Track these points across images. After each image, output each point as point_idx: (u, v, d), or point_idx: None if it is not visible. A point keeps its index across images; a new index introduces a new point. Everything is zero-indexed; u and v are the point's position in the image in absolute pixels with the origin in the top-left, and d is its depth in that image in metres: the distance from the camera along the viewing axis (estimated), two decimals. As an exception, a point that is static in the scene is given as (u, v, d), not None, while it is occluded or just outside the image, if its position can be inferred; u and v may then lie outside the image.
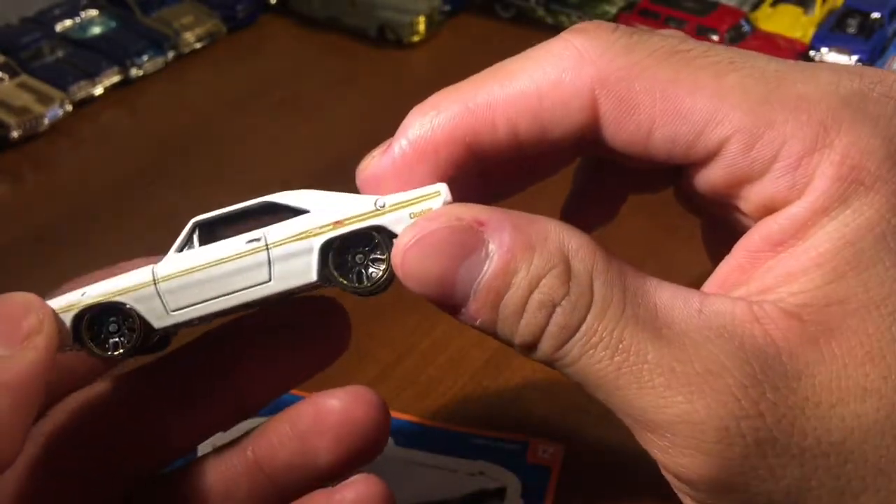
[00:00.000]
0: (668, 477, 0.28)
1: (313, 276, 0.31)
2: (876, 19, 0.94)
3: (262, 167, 0.81)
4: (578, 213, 0.39)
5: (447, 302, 0.29)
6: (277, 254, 0.31)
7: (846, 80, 0.28)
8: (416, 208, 0.30)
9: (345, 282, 0.31)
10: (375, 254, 0.31)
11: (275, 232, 0.31)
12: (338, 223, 0.31)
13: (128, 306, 0.32)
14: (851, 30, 0.94)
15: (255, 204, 0.32)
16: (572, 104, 0.29)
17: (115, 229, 0.75)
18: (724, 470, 0.27)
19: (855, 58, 0.92)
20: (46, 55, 0.95)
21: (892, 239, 0.27)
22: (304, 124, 0.88)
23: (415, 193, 0.30)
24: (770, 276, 0.28)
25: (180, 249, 0.32)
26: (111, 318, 0.33)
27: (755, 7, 1.01)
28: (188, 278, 0.32)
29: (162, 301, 0.32)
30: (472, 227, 0.29)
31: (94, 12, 1.00)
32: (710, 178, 0.29)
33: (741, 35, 0.95)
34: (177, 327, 0.33)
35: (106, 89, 0.93)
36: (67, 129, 0.88)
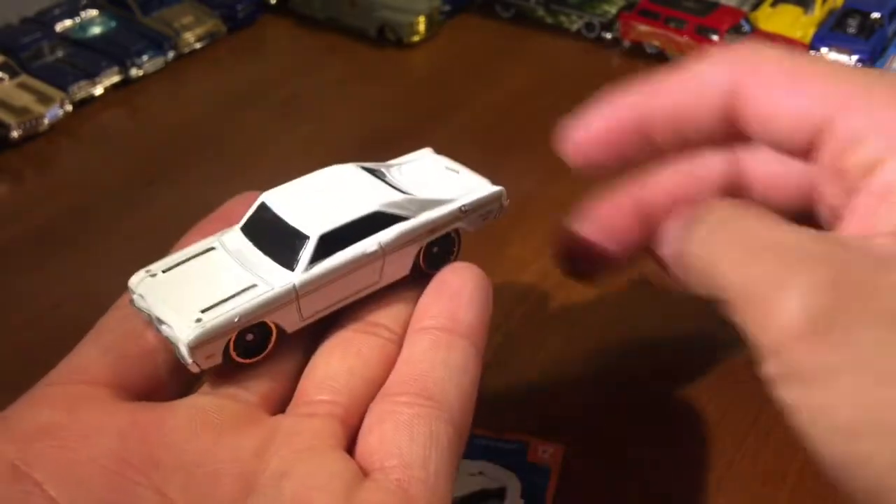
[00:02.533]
0: None
1: (408, 272, 0.36)
2: (876, 19, 0.94)
3: (261, 167, 0.81)
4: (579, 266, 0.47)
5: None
6: (389, 259, 0.35)
7: None
8: (487, 209, 0.39)
9: (429, 272, 0.37)
10: (450, 247, 0.37)
11: (389, 241, 0.35)
12: (433, 230, 0.36)
13: (269, 322, 0.34)
14: (851, 30, 0.94)
15: (367, 214, 0.35)
16: (714, 88, 0.38)
17: (115, 229, 0.75)
18: None
19: (855, 58, 0.92)
20: (46, 55, 0.95)
21: None
22: (304, 124, 0.88)
23: (483, 195, 0.39)
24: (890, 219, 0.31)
25: (312, 262, 0.35)
26: (250, 332, 0.34)
27: (755, 7, 1.01)
28: (323, 289, 0.34)
29: (299, 310, 0.34)
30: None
31: (94, 12, 1.00)
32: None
33: (741, 35, 0.95)
34: (299, 326, 0.35)
35: (106, 89, 0.93)
36: (67, 129, 0.88)
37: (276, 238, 0.35)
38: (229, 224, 0.38)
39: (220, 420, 0.32)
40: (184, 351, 0.32)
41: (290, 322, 0.34)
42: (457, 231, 0.38)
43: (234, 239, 0.36)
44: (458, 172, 0.40)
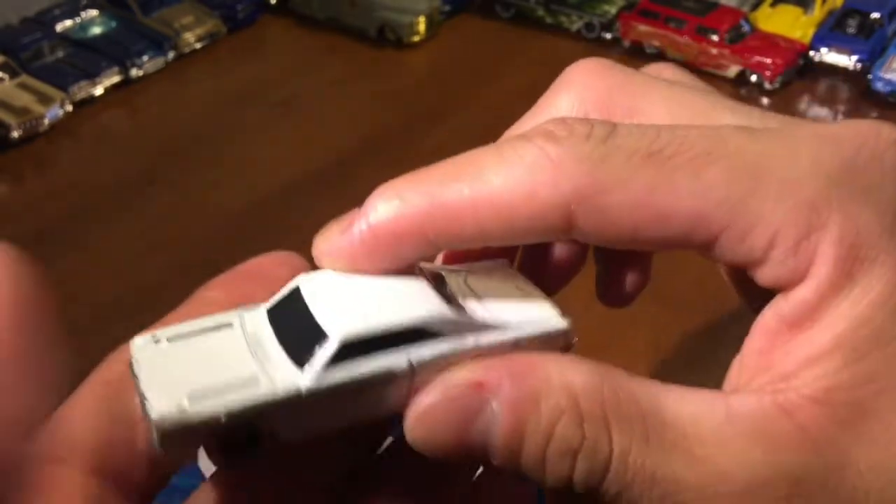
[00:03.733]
0: None
1: None
2: (876, 19, 0.94)
3: (261, 167, 0.81)
4: (610, 291, 0.38)
5: (474, 459, 0.28)
6: (419, 381, 0.30)
7: (828, 154, 0.27)
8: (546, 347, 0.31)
9: None
10: None
11: (423, 361, 0.30)
12: (477, 356, 0.30)
13: (261, 427, 0.30)
14: (851, 30, 0.94)
15: (407, 325, 0.30)
16: (548, 218, 0.28)
17: (115, 229, 0.75)
18: None
19: (855, 58, 0.92)
20: (47, 55, 0.95)
21: None
22: (304, 124, 0.88)
23: (545, 331, 0.31)
24: (790, 360, 0.27)
25: (328, 367, 0.29)
26: (238, 433, 0.30)
27: (755, 7, 1.01)
28: (335, 402, 0.30)
29: (302, 420, 0.30)
30: (469, 391, 0.28)
31: (94, 12, 1.00)
32: (713, 258, 0.29)
33: (741, 35, 0.95)
34: (298, 438, 0.30)
35: (106, 89, 0.93)
36: (67, 129, 0.88)
37: (297, 331, 0.30)
38: (254, 283, 0.33)
39: None
40: (155, 438, 0.28)
41: (289, 431, 0.30)
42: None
43: (255, 320, 0.31)
44: (528, 295, 0.34)
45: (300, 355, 0.29)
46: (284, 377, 0.28)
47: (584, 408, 0.27)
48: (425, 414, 0.28)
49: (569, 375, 0.28)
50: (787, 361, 0.27)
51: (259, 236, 0.72)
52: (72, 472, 0.30)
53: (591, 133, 0.28)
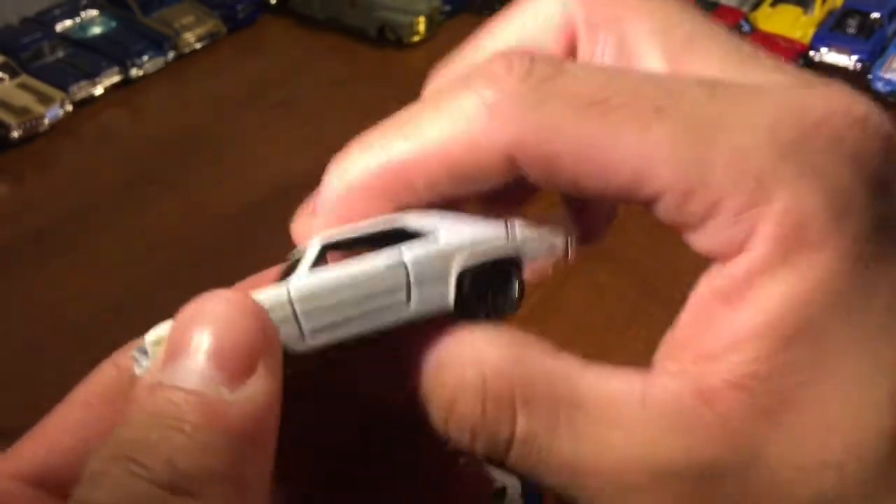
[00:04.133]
0: None
1: (449, 305, 0.30)
2: (875, 19, 0.94)
3: (261, 167, 0.81)
4: (577, 227, 0.36)
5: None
6: (418, 281, 0.30)
7: (788, 124, 0.25)
8: (547, 240, 0.31)
9: (478, 314, 0.31)
10: (505, 282, 0.31)
11: (415, 256, 0.30)
12: (475, 254, 0.30)
13: None
14: (851, 30, 0.94)
15: (384, 230, 0.30)
16: (491, 167, 0.27)
17: (115, 229, 0.75)
18: None
19: (855, 58, 0.92)
20: (47, 55, 0.94)
21: (841, 301, 0.25)
22: (304, 124, 0.88)
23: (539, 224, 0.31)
24: (716, 340, 0.26)
25: (313, 267, 0.30)
26: None
27: (755, 7, 1.01)
28: (328, 297, 0.30)
29: (300, 327, 0.29)
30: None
31: (94, 12, 1.00)
32: (655, 216, 0.27)
33: (741, 35, 0.95)
34: (311, 351, 0.30)
35: (106, 89, 0.93)
36: (67, 129, 0.88)
37: (292, 267, 0.32)
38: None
39: None
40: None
41: (294, 341, 0.30)
42: (514, 264, 0.31)
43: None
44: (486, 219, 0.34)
45: (289, 272, 0.30)
46: (275, 288, 0.29)
47: (491, 386, 0.27)
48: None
49: (483, 352, 0.27)
50: (713, 341, 0.26)
51: (259, 236, 0.72)
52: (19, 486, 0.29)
53: (532, 73, 0.26)
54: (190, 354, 0.25)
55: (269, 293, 0.29)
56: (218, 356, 0.25)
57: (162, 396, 0.25)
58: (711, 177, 0.25)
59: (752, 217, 0.25)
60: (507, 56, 0.27)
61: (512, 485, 0.54)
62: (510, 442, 0.26)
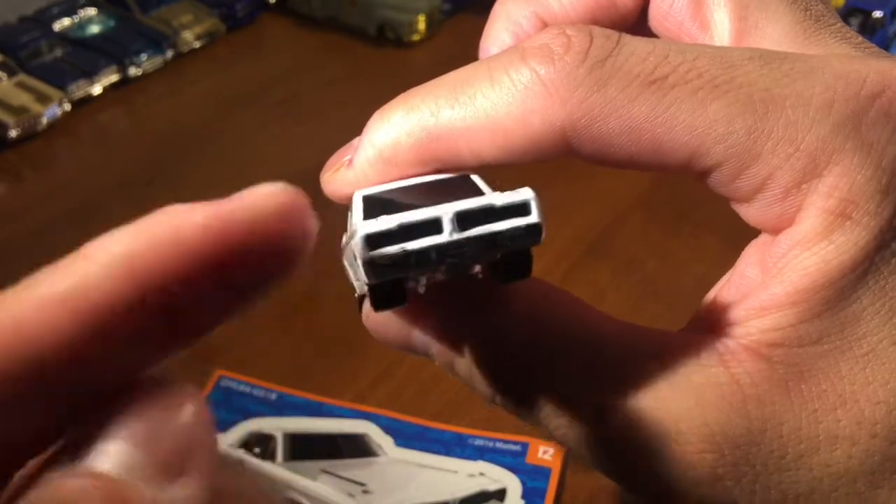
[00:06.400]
0: None
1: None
2: (878, 18, 0.94)
3: (261, 166, 0.80)
4: None
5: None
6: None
7: (842, 97, 0.26)
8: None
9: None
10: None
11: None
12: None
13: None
14: (853, 29, 0.94)
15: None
16: (543, 144, 0.27)
17: (115, 228, 0.75)
18: None
19: (856, 57, 0.92)
20: (45, 54, 0.94)
21: (873, 278, 0.25)
22: (304, 124, 0.88)
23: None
24: (743, 306, 0.26)
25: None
26: None
27: (756, 6, 1.01)
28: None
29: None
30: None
31: (92, 11, 1.00)
32: (708, 185, 0.28)
33: None
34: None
35: (105, 88, 0.92)
36: (66, 128, 0.88)
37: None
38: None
39: None
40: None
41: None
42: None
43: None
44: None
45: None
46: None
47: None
48: (375, 322, 0.31)
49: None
50: (741, 307, 0.26)
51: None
52: None
53: (590, 52, 0.26)
54: (131, 444, 0.20)
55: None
56: (158, 452, 0.20)
57: (89, 487, 0.19)
58: (764, 153, 0.25)
59: (803, 192, 0.25)
60: (565, 31, 0.27)
61: (512, 486, 0.53)
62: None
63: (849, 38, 0.28)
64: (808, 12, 0.29)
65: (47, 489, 0.19)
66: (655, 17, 0.31)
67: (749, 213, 0.27)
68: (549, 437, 0.28)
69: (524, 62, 0.27)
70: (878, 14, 0.94)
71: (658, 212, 0.75)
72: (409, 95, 0.29)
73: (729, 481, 0.25)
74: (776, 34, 0.28)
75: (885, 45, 0.93)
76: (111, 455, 0.20)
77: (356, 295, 0.30)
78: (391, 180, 0.29)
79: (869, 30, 0.93)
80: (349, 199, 0.30)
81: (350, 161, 0.30)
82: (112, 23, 1.00)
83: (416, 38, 1.00)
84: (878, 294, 0.25)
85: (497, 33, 0.32)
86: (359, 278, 0.27)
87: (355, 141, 0.30)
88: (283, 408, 0.62)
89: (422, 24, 1.00)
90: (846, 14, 0.95)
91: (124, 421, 0.20)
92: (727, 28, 0.29)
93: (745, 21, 0.29)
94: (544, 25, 0.31)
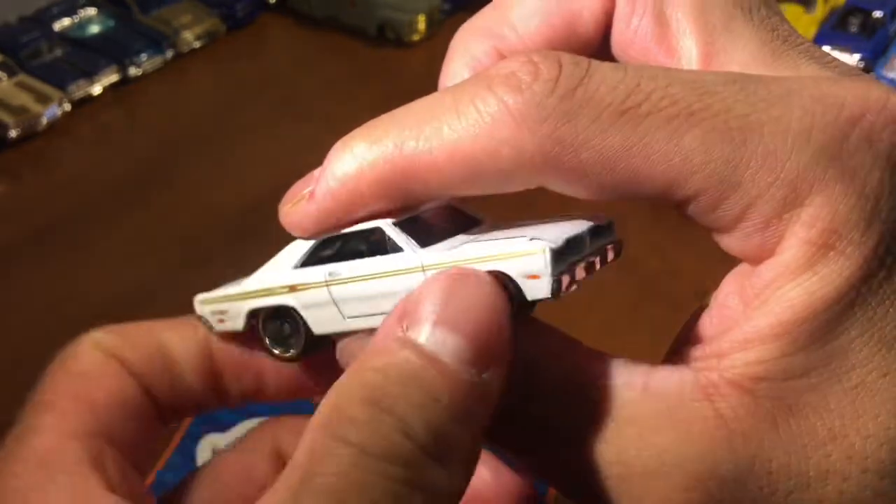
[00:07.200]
0: None
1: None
2: (878, 18, 0.94)
3: (260, 166, 0.80)
4: None
5: None
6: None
7: (822, 123, 0.25)
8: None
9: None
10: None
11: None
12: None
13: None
14: (853, 29, 0.94)
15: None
16: (513, 175, 0.26)
17: (114, 228, 0.75)
18: None
19: (857, 56, 0.92)
20: (45, 54, 0.94)
21: (860, 309, 0.24)
22: (304, 123, 0.88)
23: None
24: (727, 339, 0.26)
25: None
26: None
27: (756, 6, 1.01)
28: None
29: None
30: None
31: (92, 11, 1.00)
32: (687, 216, 0.27)
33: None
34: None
35: (104, 88, 0.92)
36: (66, 128, 0.88)
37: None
38: None
39: None
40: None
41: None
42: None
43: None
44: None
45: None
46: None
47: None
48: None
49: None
50: (725, 340, 0.26)
51: (258, 236, 0.72)
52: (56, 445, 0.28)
53: (559, 80, 0.25)
54: (453, 330, 0.25)
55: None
56: (479, 340, 0.25)
57: (420, 364, 0.24)
58: (744, 182, 0.25)
59: (784, 222, 0.25)
60: (532, 59, 0.25)
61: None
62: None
63: (818, 58, 0.27)
64: (775, 32, 0.28)
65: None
66: (619, 44, 0.30)
67: (729, 243, 0.26)
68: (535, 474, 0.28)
69: (490, 91, 0.25)
70: (878, 14, 0.94)
71: (659, 212, 0.75)
72: (372, 126, 0.28)
73: None
74: (744, 57, 0.27)
75: (885, 45, 0.93)
76: (454, 348, 0.25)
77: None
78: (354, 213, 0.28)
79: (869, 29, 0.93)
80: (311, 233, 0.30)
81: (311, 193, 0.29)
82: (112, 23, 1.00)
83: (416, 37, 1.00)
84: (865, 325, 0.25)
85: (456, 69, 0.31)
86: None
87: (316, 172, 0.29)
88: (283, 408, 0.62)
89: (422, 24, 1.00)
90: (846, 14, 0.95)
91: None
92: (694, 53, 0.28)
93: (713, 46, 0.28)
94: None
